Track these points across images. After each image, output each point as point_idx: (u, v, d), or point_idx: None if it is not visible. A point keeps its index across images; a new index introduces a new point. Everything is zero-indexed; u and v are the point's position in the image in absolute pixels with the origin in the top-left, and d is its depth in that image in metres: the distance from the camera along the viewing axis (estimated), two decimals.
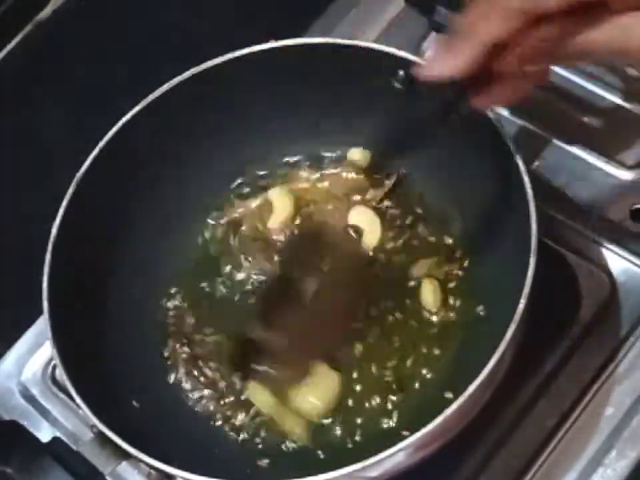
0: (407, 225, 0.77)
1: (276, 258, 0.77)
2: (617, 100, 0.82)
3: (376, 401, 0.71)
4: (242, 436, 0.72)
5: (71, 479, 0.65)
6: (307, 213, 0.79)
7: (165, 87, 0.74)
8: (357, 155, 0.80)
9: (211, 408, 0.73)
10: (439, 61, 0.56)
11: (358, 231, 0.77)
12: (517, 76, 0.57)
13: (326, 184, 0.80)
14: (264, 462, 0.71)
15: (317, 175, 0.80)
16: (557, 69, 0.84)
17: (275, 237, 0.78)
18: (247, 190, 0.81)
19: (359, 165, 0.79)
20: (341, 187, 0.79)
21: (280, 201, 0.79)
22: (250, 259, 0.78)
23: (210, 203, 0.80)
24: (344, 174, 0.80)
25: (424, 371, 0.72)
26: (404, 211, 0.78)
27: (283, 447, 0.71)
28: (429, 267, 0.75)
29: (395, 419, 0.71)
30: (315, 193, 0.79)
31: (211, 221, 0.80)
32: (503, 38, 0.53)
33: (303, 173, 0.80)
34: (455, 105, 0.62)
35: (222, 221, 0.80)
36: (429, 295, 0.73)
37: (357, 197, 0.79)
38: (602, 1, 0.51)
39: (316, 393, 0.71)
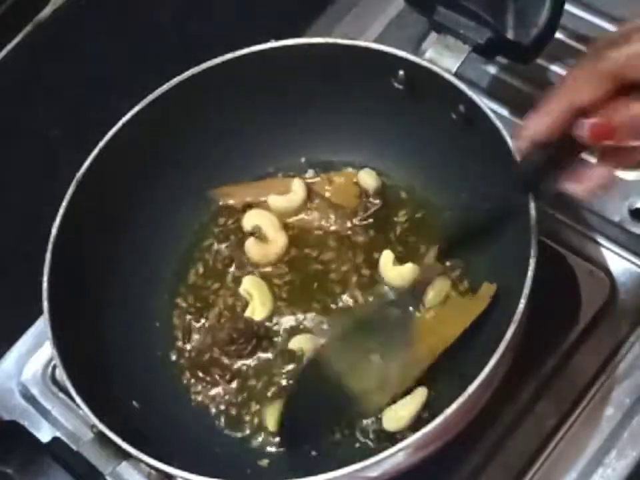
0: (406, 225, 0.77)
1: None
2: None
3: None
4: (242, 436, 0.72)
5: (71, 479, 0.65)
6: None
7: (165, 87, 0.74)
8: (367, 177, 0.78)
9: (211, 408, 0.73)
10: (531, 119, 0.59)
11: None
12: (607, 157, 0.59)
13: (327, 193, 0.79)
14: (264, 462, 0.71)
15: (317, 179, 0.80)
16: (557, 69, 0.84)
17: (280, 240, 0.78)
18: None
19: (371, 187, 0.78)
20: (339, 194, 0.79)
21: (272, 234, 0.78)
22: (254, 258, 0.78)
23: (211, 204, 0.80)
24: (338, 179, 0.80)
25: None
26: (403, 210, 0.78)
27: (283, 447, 0.71)
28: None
29: None
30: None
31: (213, 221, 0.80)
32: (592, 98, 0.56)
33: (305, 176, 0.80)
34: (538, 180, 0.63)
35: (224, 221, 0.80)
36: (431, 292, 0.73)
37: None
38: None
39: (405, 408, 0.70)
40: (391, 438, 0.68)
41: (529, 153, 0.60)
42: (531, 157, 0.61)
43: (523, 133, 0.60)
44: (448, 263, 0.74)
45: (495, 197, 0.66)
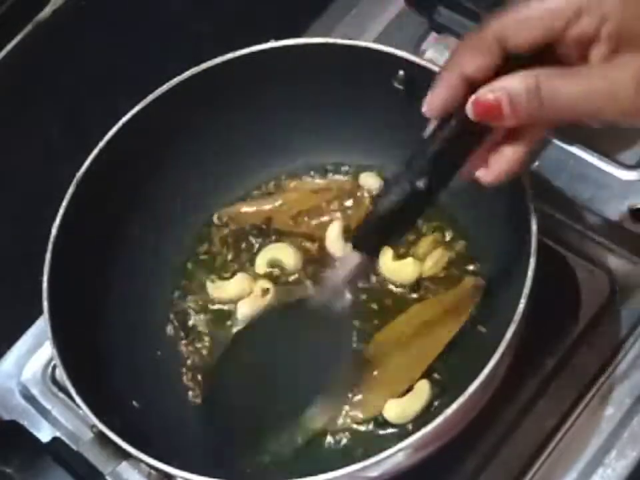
0: None
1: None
2: None
3: None
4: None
5: (71, 479, 0.65)
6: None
7: (165, 86, 0.74)
8: (369, 179, 0.79)
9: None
10: (429, 95, 0.56)
11: None
12: (515, 137, 0.57)
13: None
14: (264, 461, 0.71)
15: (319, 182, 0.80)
16: None
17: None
18: (249, 191, 0.81)
19: (374, 189, 0.78)
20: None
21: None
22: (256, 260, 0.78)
23: (212, 204, 0.80)
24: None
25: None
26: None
27: (283, 446, 0.71)
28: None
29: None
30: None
31: (214, 221, 0.80)
32: (479, 66, 0.54)
33: (307, 180, 0.81)
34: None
35: (225, 221, 0.80)
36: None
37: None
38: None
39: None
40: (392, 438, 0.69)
41: (432, 132, 0.56)
42: (433, 136, 0.56)
43: (424, 111, 0.57)
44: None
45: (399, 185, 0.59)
